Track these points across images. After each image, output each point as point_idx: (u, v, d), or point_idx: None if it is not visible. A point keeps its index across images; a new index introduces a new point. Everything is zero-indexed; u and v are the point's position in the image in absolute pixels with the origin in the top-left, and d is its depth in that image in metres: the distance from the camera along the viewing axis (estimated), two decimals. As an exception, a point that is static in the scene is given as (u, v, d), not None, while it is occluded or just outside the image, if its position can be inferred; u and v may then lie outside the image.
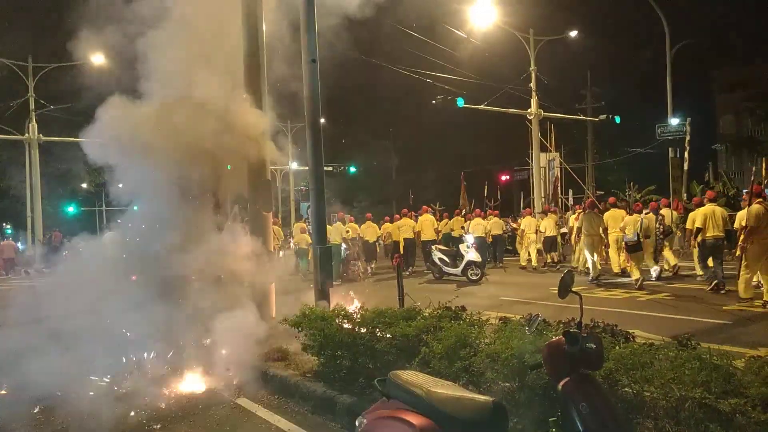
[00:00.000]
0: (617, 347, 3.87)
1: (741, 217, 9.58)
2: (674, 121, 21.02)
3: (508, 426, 2.84)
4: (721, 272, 10.68)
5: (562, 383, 2.59)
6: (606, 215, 13.47)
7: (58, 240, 24.34)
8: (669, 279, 12.72)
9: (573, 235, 14.59)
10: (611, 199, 15.30)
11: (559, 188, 25.64)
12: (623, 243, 12.30)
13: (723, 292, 10.47)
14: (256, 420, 5.14)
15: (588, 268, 13.27)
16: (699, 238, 11.04)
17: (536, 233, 16.40)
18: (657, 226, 12.55)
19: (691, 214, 11.59)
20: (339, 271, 15.24)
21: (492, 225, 17.78)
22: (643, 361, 3.54)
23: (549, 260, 16.68)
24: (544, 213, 18.01)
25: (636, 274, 11.75)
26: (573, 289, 2.90)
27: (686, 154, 20.57)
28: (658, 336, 5.61)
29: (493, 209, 21.30)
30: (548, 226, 16.21)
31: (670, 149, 20.32)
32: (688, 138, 20.13)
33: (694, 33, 25.05)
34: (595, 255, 13.12)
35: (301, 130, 12.75)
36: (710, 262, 11.23)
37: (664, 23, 21.53)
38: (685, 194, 20.04)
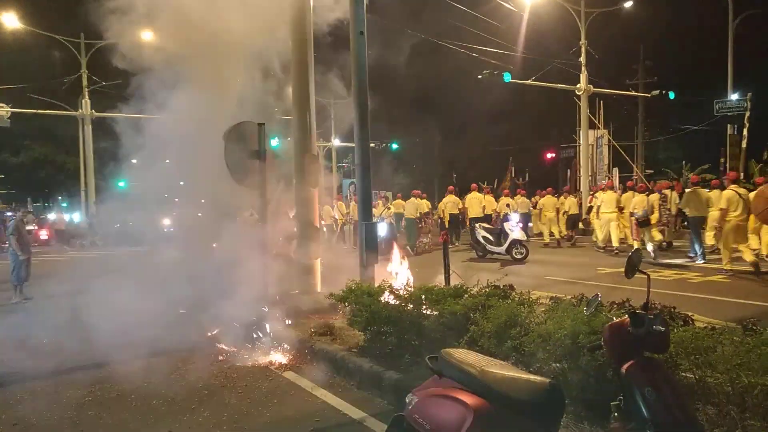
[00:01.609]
0: (676, 330, 3.73)
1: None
2: (734, 97, 19.90)
3: (564, 407, 2.77)
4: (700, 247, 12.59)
5: (625, 366, 2.48)
6: (624, 197, 15.30)
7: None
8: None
9: (592, 214, 16.15)
10: (629, 183, 17.20)
11: (579, 170, 25.38)
12: (635, 219, 13.74)
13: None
14: (303, 393, 5.21)
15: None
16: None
17: (557, 212, 17.63)
18: (662, 203, 14.07)
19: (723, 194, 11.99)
20: (415, 244, 16.77)
21: (519, 204, 18.67)
22: (705, 345, 3.39)
23: (569, 235, 18.02)
24: (566, 193, 19.16)
25: (650, 246, 13.23)
26: (640, 268, 2.77)
27: (745, 131, 19.52)
28: (716, 320, 5.40)
29: (522, 188, 22.40)
30: (571, 205, 17.68)
31: (728, 126, 19.30)
32: (748, 114, 19.06)
33: (759, 2, 23.25)
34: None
35: (343, 107, 12.78)
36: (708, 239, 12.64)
37: (726, -8, 20.26)
38: (742, 173, 19.05)
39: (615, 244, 14.58)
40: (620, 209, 14.80)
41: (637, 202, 13.71)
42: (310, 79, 7.78)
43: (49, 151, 38.02)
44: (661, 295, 7.08)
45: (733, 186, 10.94)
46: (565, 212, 17.54)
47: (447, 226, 17.37)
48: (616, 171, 27.44)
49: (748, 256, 10.60)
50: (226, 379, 5.64)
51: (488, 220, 17.28)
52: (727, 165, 19.16)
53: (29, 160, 38.20)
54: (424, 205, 18.24)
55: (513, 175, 26.00)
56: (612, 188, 15.97)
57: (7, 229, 10.73)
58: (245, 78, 8.70)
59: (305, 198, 7.71)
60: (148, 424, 4.66)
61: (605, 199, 15.07)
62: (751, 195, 10.67)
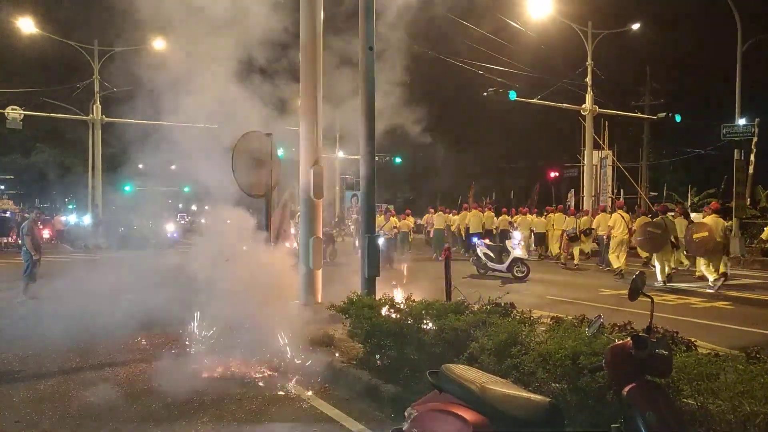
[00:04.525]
0: (678, 355, 3.71)
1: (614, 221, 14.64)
2: (741, 122, 19.89)
3: (564, 427, 2.75)
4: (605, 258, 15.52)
5: (627, 389, 2.47)
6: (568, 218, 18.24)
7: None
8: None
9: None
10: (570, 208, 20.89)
11: (536, 195, 28.27)
12: (566, 235, 17.15)
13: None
14: (301, 404, 5.18)
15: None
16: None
17: (530, 231, 19.55)
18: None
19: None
20: (440, 253, 17.94)
21: (487, 219, 20.50)
22: (708, 371, 3.36)
23: (539, 253, 20.00)
24: (534, 215, 21.06)
25: (576, 260, 16.93)
26: (644, 291, 2.77)
27: (752, 157, 19.49)
28: (720, 346, 5.36)
29: (491, 206, 24.30)
30: (538, 225, 19.97)
31: (735, 151, 19.28)
32: (755, 139, 19.05)
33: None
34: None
35: (349, 120, 12.91)
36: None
37: (736, 16, 20.30)
38: (748, 198, 19.03)
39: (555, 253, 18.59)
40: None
41: (568, 222, 17.56)
42: (319, 92, 7.84)
43: (59, 154, 38.24)
44: (663, 320, 7.06)
45: (620, 211, 14.91)
46: (531, 230, 19.72)
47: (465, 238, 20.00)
48: (621, 192, 27.44)
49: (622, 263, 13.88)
50: (224, 387, 5.60)
51: (489, 235, 18.97)
52: (734, 190, 19.07)
53: (39, 161, 38.45)
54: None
55: (472, 198, 27.01)
56: (606, 211, 17.76)
57: (21, 229, 11.08)
58: (254, 88, 8.78)
59: (311, 209, 7.72)
60: (147, 427, 4.67)
61: (555, 219, 18.99)
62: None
